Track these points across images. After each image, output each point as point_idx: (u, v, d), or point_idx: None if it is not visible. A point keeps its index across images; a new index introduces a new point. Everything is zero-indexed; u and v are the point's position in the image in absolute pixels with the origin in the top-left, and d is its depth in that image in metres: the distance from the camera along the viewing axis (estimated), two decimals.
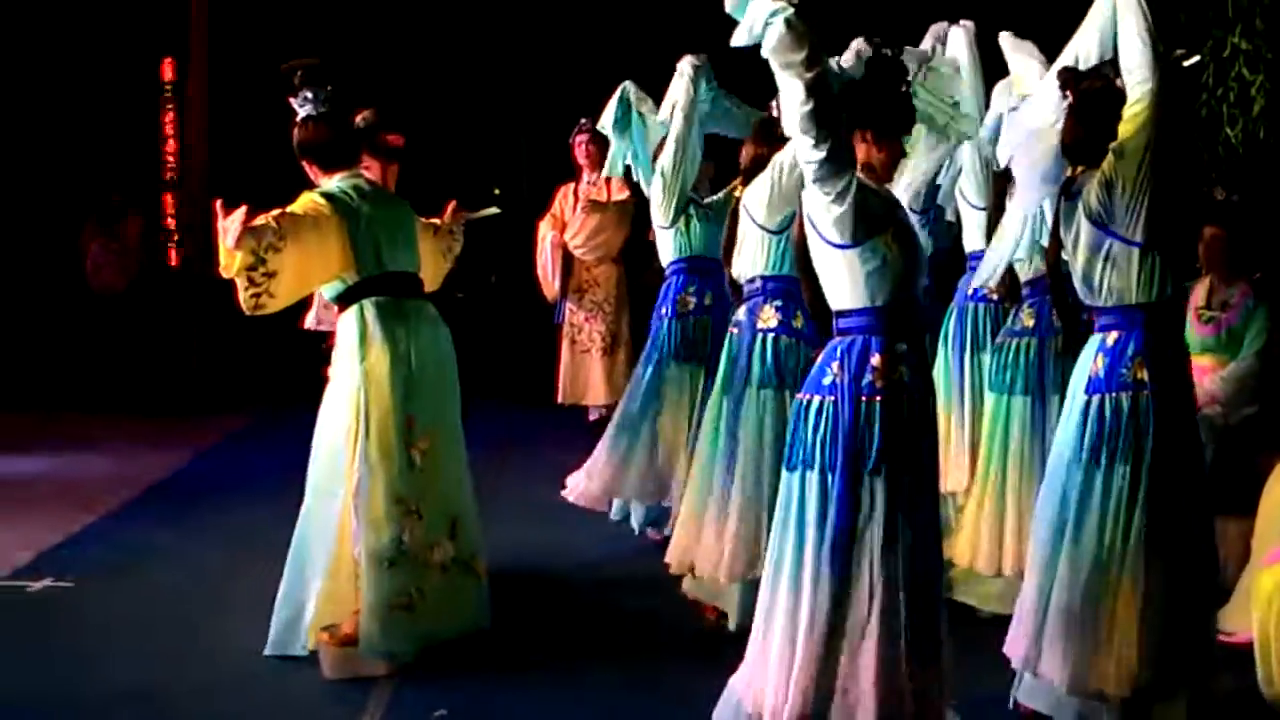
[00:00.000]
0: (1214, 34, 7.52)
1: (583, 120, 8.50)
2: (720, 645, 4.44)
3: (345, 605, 4.49)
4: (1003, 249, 4.33)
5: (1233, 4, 7.39)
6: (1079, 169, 3.96)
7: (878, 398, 3.53)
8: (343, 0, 10.39)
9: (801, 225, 3.74)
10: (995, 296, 5.52)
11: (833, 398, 3.56)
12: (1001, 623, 4.64)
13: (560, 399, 8.72)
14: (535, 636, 4.90)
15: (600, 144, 8.44)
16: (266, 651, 4.56)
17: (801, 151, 3.53)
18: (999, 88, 5.33)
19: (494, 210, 5.78)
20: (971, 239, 5.68)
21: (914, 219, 5.98)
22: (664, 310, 5.97)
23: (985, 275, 4.43)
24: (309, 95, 4.52)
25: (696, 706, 3.87)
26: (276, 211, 4.33)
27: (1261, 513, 4.85)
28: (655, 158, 5.91)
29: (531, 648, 4.79)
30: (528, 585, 5.52)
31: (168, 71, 10.56)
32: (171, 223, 10.63)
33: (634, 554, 5.98)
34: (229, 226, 4.14)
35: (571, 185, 8.62)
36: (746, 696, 3.68)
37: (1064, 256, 4.00)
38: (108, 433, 8.96)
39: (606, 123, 6.21)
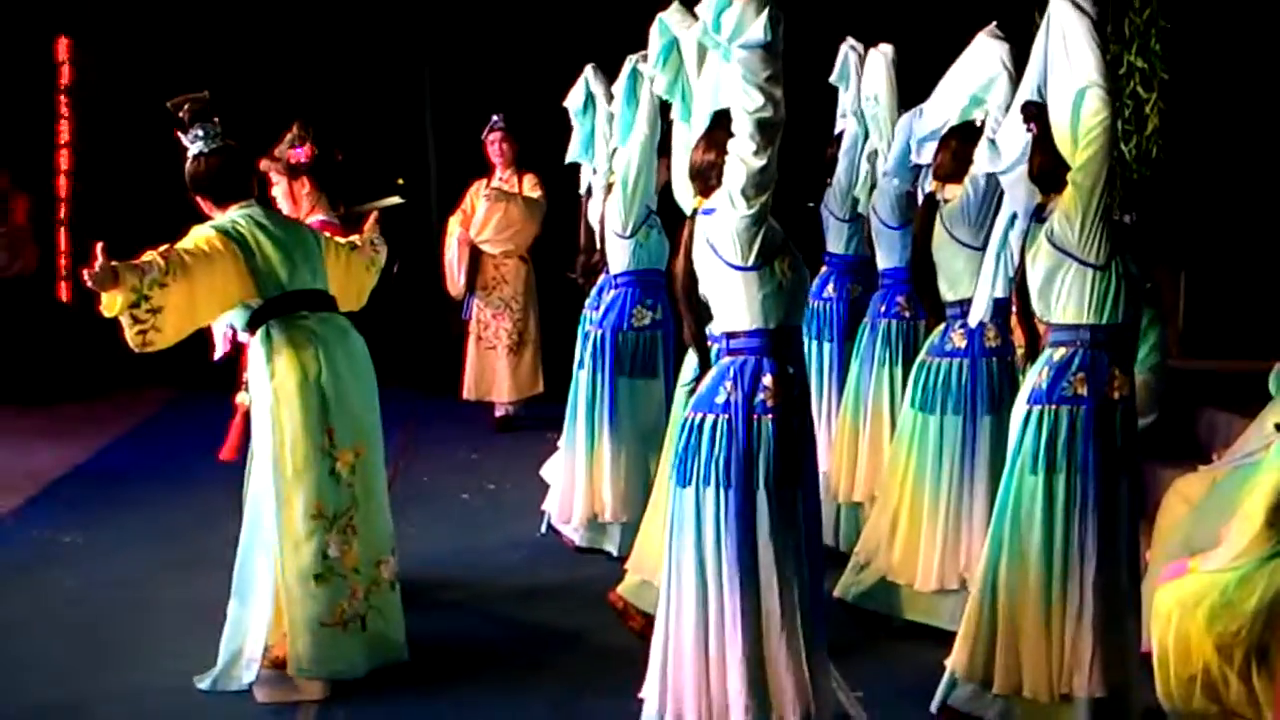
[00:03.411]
0: (1110, 49, 7.77)
1: (495, 117, 8.52)
2: (646, 654, 4.52)
3: (280, 626, 4.45)
4: (984, 287, 4.47)
5: (1129, 23, 7.64)
6: (1050, 195, 4.14)
7: (769, 416, 3.65)
8: None
9: (688, 254, 3.81)
10: (907, 313, 5.70)
11: (726, 416, 3.67)
12: (923, 634, 4.87)
13: (465, 395, 8.75)
14: (460, 652, 4.91)
15: (513, 142, 8.51)
16: (203, 686, 4.46)
17: (740, 159, 3.56)
18: (903, 120, 5.50)
19: (396, 200, 5.76)
20: (886, 257, 5.84)
21: (842, 227, 6.21)
22: (610, 321, 5.91)
23: (978, 314, 4.57)
24: (199, 132, 4.47)
25: None
26: (165, 247, 4.28)
27: (1159, 528, 5.05)
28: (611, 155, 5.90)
29: (457, 664, 4.79)
30: (448, 595, 5.52)
31: (62, 50, 10.34)
32: (64, 206, 10.42)
33: (550, 560, 6.02)
34: (93, 276, 4.04)
35: (483, 181, 8.61)
36: (667, 708, 3.78)
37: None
38: (3, 424, 8.72)
39: (574, 105, 6.23)
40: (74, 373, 9.78)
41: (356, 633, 4.50)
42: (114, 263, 4.10)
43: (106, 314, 4.21)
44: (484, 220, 8.51)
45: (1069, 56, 3.97)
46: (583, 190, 6.44)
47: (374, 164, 10.04)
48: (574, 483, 5.99)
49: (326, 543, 4.44)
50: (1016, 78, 4.66)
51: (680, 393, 4.97)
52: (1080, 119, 3.98)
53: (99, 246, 4.10)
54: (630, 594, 5.05)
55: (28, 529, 6.39)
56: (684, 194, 5.11)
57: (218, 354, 4.82)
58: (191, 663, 4.55)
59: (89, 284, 4.08)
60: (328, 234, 4.95)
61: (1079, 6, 3.98)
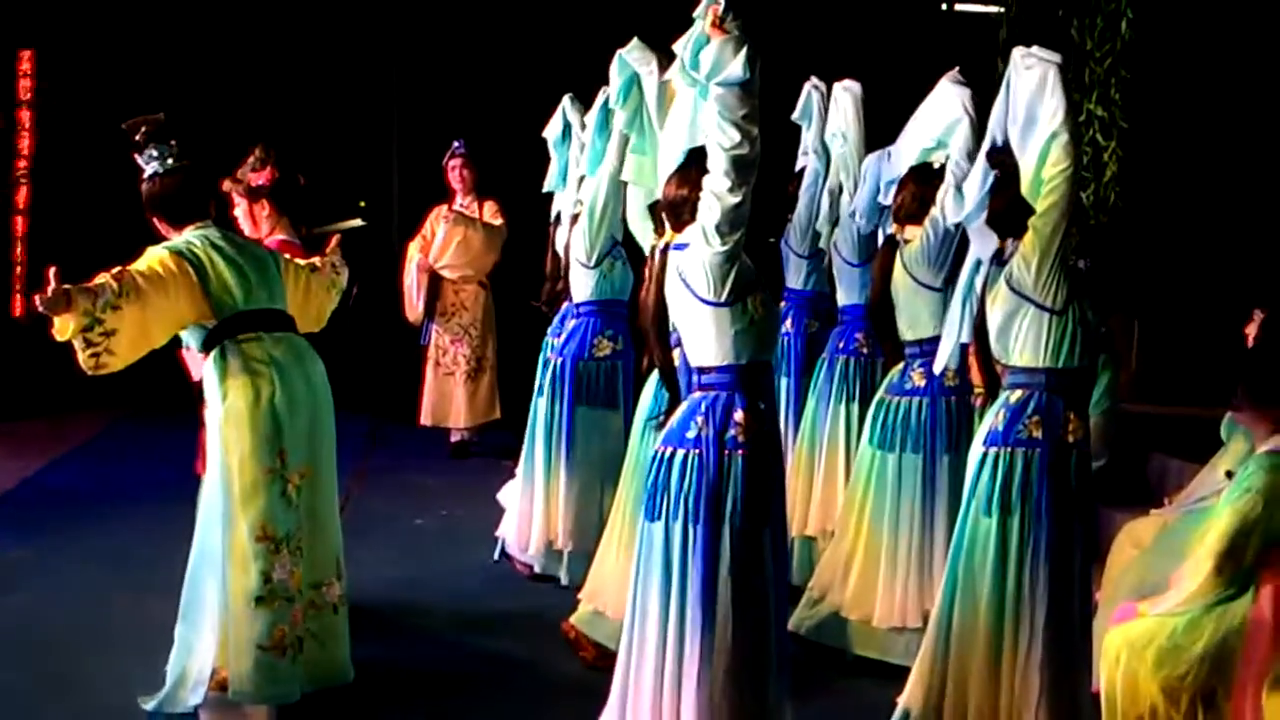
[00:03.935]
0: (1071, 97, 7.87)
1: (456, 143, 8.53)
2: (599, 686, 4.50)
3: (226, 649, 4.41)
4: (951, 332, 4.53)
5: (1090, 72, 7.76)
6: (1007, 240, 4.20)
7: (740, 452, 3.67)
8: (209, 7, 10.23)
9: (659, 288, 3.83)
10: (865, 350, 5.75)
11: (697, 451, 3.68)
12: (876, 670, 4.89)
13: (422, 420, 8.72)
14: (411, 678, 4.90)
15: (473, 168, 8.51)
16: (149, 707, 4.41)
17: (715, 195, 3.59)
18: (869, 161, 5.55)
19: (357, 222, 5.74)
20: (846, 294, 5.89)
21: (801, 263, 6.25)
22: (570, 350, 5.91)
23: (943, 360, 4.62)
24: (154, 152, 4.46)
25: None
26: (118, 269, 4.24)
27: (1109, 570, 5.11)
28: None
29: (408, 691, 4.78)
30: (399, 621, 5.50)
31: (25, 62, 10.27)
32: (20, 219, 10.33)
33: (502, 588, 6.00)
34: (45, 301, 3.99)
35: (444, 207, 8.59)
36: None
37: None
38: None
39: (552, 135, 6.25)
40: (24, 388, 9.66)
41: (294, 658, 4.43)
42: (66, 286, 4.05)
43: (59, 338, 4.16)
44: (443, 245, 8.48)
45: (1039, 104, 4.03)
46: (552, 218, 6.45)
47: (337, 187, 10.02)
48: (531, 510, 5.98)
49: (273, 565, 4.38)
50: (978, 123, 4.73)
51: (638, 424, 4.99)
52: (1045, 167, 4.05)
53: (51, 271, 4.05)
54: (583, 624, 5.04)
55: None
56: (638, 225, 5.16)
57: (196, 375, 4.78)
58: (138, 683, 4.50)
59: (40, 308, 4.03)
60: (287, 255, 4.92)
61: (1043, 57, 4.04)
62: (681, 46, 3.76)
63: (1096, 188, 7.70)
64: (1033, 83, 4.06)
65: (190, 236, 4.49)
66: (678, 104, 4.11)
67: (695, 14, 3.73)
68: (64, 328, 4.11)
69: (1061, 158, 4.01)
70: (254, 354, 4.44)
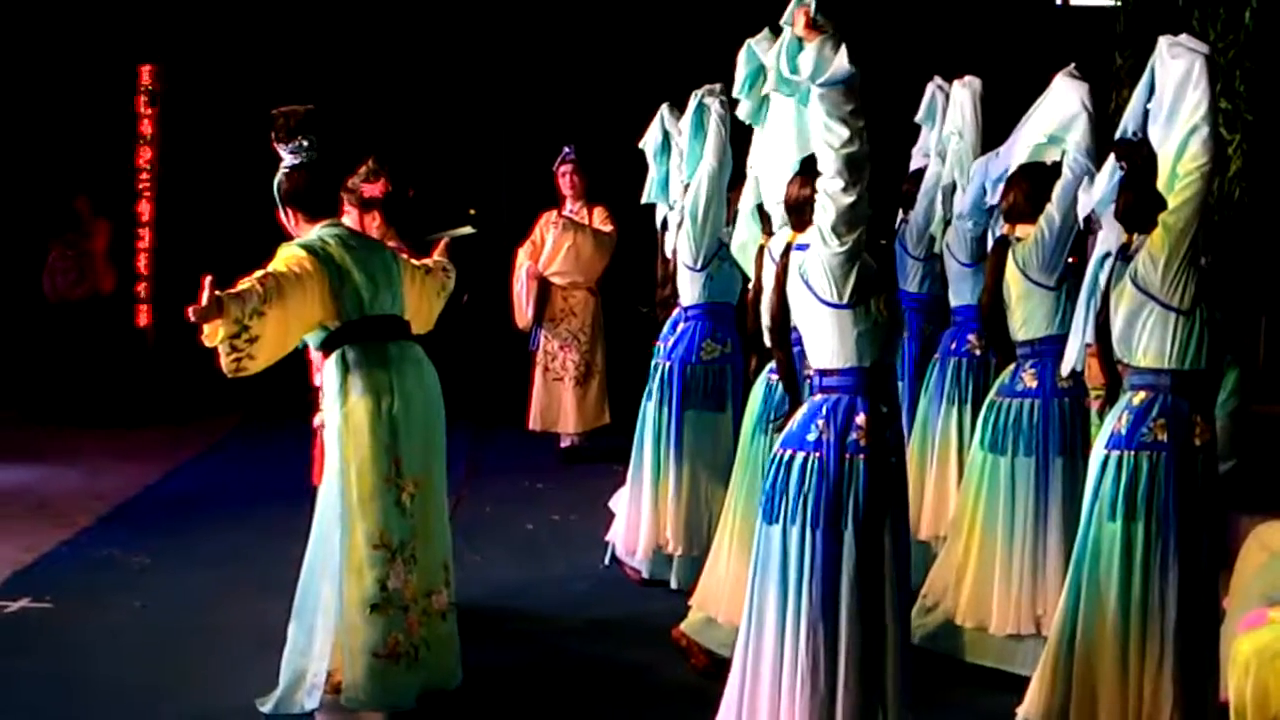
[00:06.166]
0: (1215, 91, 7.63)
1: (566, 149, 8.55)
2: (710, 693, 4.37)
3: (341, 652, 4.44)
4: (1077, 332, 4.43)
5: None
6: (1134, 235, 4.08)
7: (862, 456, 3.63)
8: (319, 13, 10.39)
9: (780, 290, 3.80)
10: (978, 351, 5.63)
11: (818, 454, 3.64)
12: (991, 679, 4.78)
13: (531, 426, 8.75)
14: (520, 684, 4.90)
15: (583, 174, 8.53)
16: (266, 708, 4.45)
17: (829, 195, 3.57)
18: (979, 163, 5.44)
19: (468, 230, 5.77)
20: (958, 294, 5.78)
21: (916, 265, 6.17)
22: (678, 354, 5.87)
23: (1070, 361, 4.50)
24: (303, 143, 4.47)
25: None
26: (260, 273, 4.26)
27: (1237, 576, 4.93)
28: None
29: (517, 696, 4.79)
30: (508, 626, 5.51)
31: (146, 77, 10.52)
32: (144, 231, 10.58)
33: (612, 593, 5.98)
34: (199, 311, 4.03)
35: (553, 213, 8.62)
36: None
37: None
38: (75, 446, 8.87)
39: (650, 146, 6.24)
40: (144, 396, 9.92)
41: (410, 666, 4.45)
42: (218, 293, 4.08)
43: (208, 344, 4.20)
44: (553, 252, 8.52)
45: (1182, 96, 3.89)
46: (658, 224, 6.42)
47: (447, 193, 10.12)
48: (640, 514, 5.95)
49: (388, 573, 4.40)
50: (1096, 117, 4.61)
51: (747, 426, 4.94)
52: (1181, 161, 3.92)
53: (207, 280, 4.07)
54: (694, 631, 5.00)
55: (97, 550, 6.45)
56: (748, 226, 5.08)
57: (319, 380, 4.82)
58: (256, 685, 4.54)
59: (193, 318, 4.05)
60: (404, 256, 4.95)
61: (1190, 47, 3.90)
62: (775, 56, 3.74)
63: (1221, 182, 7.44)
64: (1179, 72, 3.92)
65: (323, 234, 4.50)
66: (775, 116, 4.08)
67: (783, 21, 3.73)
68: (213, 334, 4.16)
69: (1200, 153, 3.88)
70: (375, 362, 4.45)
